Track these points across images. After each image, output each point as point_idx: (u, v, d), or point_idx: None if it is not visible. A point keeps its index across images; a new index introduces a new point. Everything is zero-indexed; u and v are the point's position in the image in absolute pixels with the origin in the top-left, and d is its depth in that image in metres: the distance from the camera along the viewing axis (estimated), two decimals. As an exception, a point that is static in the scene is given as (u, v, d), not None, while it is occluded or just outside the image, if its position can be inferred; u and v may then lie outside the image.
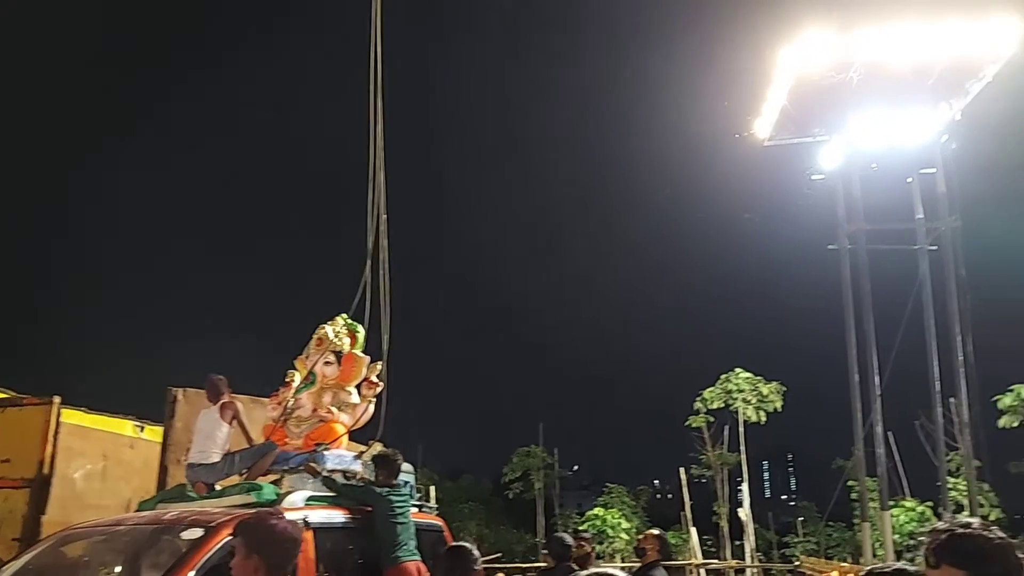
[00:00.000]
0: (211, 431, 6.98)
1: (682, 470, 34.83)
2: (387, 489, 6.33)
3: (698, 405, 36.82)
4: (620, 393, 65.80)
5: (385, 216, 7.01)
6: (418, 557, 6.16)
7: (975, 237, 30.46)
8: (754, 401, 35.95)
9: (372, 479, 6.58)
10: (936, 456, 30.68)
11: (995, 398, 32.52)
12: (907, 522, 32.27)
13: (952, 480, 31.36)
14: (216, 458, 6.85)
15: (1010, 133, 30.59)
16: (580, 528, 36.74)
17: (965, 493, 30.91)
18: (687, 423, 37.48)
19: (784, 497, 67.81)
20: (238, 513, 4.93)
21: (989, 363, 32.18)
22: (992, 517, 34.23)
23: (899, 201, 30.64)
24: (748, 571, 33.45)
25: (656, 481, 58.81)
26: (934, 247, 29.45)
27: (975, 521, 2.49)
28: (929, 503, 31.70)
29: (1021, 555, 2.42)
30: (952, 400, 29.95)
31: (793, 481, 73.79)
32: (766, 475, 76.73)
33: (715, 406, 36.51)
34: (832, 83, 28.67)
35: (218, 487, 6.68)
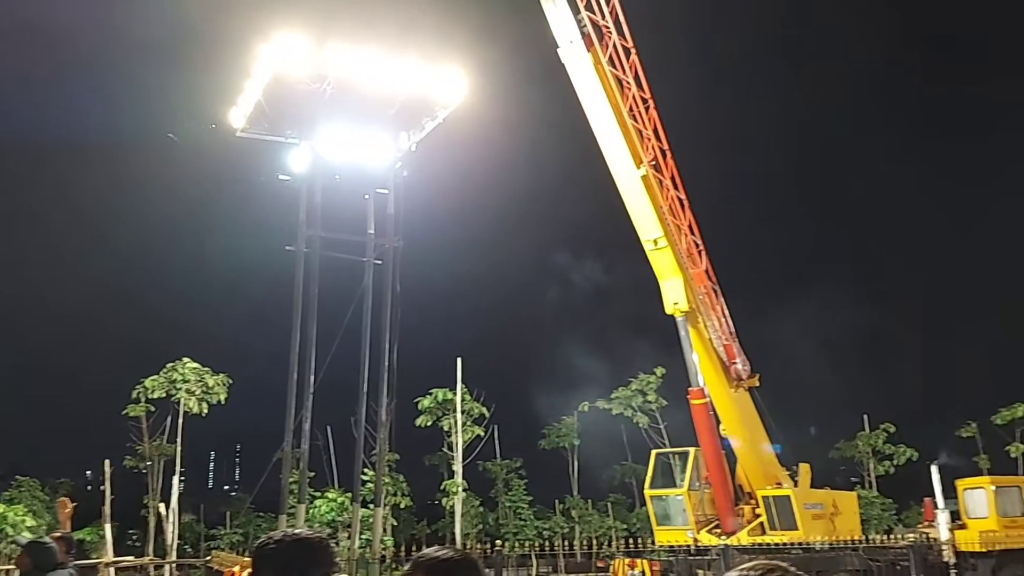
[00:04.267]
0: None
1: (107, 462, 32.46)
2: None
3: (137, 393, 34.87)
4: (52, 378, 59.20)
5: None
6: None
7: (413, 257, 34.16)
8: (198, 392, 35.19)
9: None
10: (360, 449, 33.44)
11: (416, 399, 36.82)
12: (328, 512, 34.57)
13: (371, 472, 34.42)
14: None
15: (450, 171, 35.13)
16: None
17: (385, 483, 34.37)
18: (124, 412, 35.31)
19: (227, 488, 67.96)
20: None
21: (415, 368, 36.33)
22: (403, 505, 38.67)
23: (355, 214, 32.91)
24: (167, 567, 32.44)
25: (89, 472, 54.04)
26: (379, 261, 32.23)
27: (302, 531, 2.87)
28: (349, 493, 34.28)
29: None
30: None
31: (238, 472, 74.68)
32: (211, 466, 76.13)
33: (157, 395, 34.92)
34: (307, 90, 29.61)
35: None
